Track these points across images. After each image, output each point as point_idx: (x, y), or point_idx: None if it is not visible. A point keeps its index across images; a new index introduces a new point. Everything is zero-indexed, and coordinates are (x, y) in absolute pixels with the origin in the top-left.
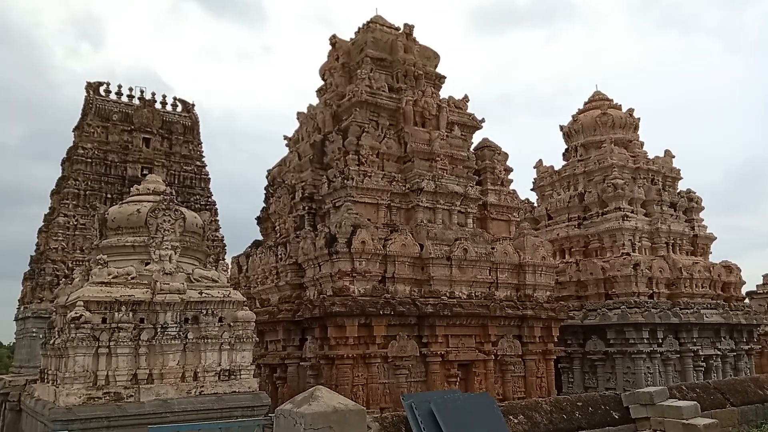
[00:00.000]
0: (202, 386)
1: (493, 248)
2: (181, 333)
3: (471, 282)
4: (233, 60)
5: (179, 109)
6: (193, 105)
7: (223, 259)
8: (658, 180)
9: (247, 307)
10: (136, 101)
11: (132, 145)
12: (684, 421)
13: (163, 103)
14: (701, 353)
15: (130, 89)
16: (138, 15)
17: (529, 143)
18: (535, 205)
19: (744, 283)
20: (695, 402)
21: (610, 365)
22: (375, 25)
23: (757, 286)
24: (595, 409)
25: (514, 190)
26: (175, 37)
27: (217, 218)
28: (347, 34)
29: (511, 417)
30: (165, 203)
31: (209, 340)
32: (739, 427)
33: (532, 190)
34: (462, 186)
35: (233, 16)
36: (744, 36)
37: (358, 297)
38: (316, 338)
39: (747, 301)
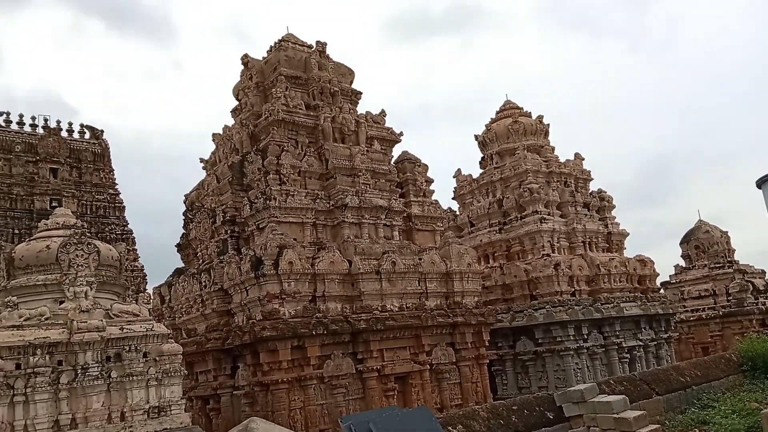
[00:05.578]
0: (131, 426)
1: (420, 259)
2: (103, 372)
3: (401, 294)
4: (142, 78)
5: (87, 136)
6: (102, 132)
7: (144, 291)
8: (570, 182)
9: (172, 339)
10: (40, 130)
11: (38, 177)
12: (615, 415)
13: (70, 131)
14: (624, 345)
15: (33, 118)
16: (36, 35)
17: (449, 151)
18: (458, 213)
19: (658, 274)
20: (624, 395)
21: (540, 364)
22: (287, 44)
23: (670, 276)
24: (531, 412)
25: (436, 201)
26: (79, 57)
27: (135, 247)
28: (262, 45)
29: (449, 428)
30: (76, 237)
31: (135, 378)
32: (666, 415)
33: (453, 198)
34: (386, 199)
35: (139, 32)
36: (646, 36)
37: (289, 319)
38: (248, 365)
39: (662, 291)
